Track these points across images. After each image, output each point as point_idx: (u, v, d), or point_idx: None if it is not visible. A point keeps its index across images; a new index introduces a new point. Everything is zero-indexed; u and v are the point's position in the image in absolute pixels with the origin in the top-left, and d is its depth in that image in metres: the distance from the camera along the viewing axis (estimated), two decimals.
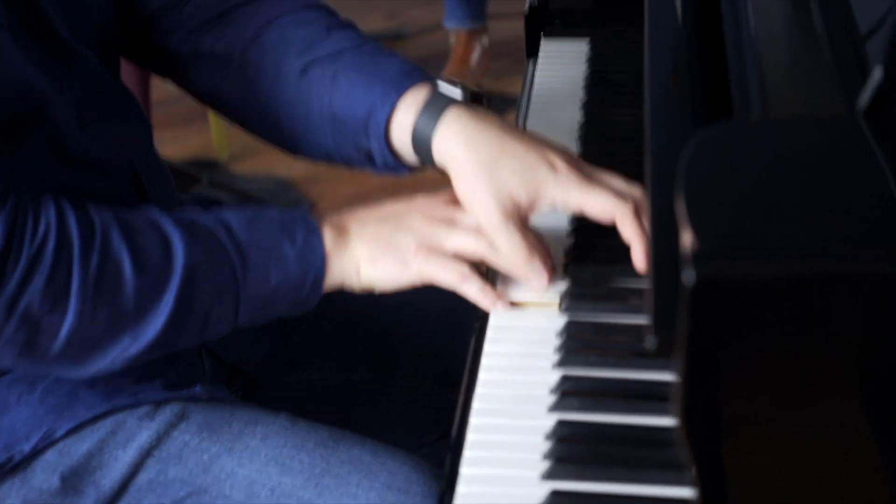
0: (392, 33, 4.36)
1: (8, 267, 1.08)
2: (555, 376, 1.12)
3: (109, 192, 1.25)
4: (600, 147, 1.52)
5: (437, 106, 1.23)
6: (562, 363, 1.13)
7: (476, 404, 1.11)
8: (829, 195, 0.81)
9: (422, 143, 1.23)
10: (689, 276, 0.73)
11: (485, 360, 1.16)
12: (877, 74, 0.86)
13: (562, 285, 1.23)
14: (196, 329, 1.17)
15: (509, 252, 1.18)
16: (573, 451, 1.04)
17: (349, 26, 1.35)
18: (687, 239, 0.76)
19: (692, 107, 1.09)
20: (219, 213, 1.20)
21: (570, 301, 1.20)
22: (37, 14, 1.20)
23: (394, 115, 1.25)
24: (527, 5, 1.85)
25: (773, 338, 0.76)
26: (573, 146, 1.52)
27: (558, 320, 1.19)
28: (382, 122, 1.25)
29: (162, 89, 3.13)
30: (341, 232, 1.21)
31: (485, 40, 4.01)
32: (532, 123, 1.61)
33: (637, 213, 1.17)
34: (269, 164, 3.30)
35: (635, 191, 1.19)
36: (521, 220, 1.19)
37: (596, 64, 1.73)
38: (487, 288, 1.21)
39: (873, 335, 0.77)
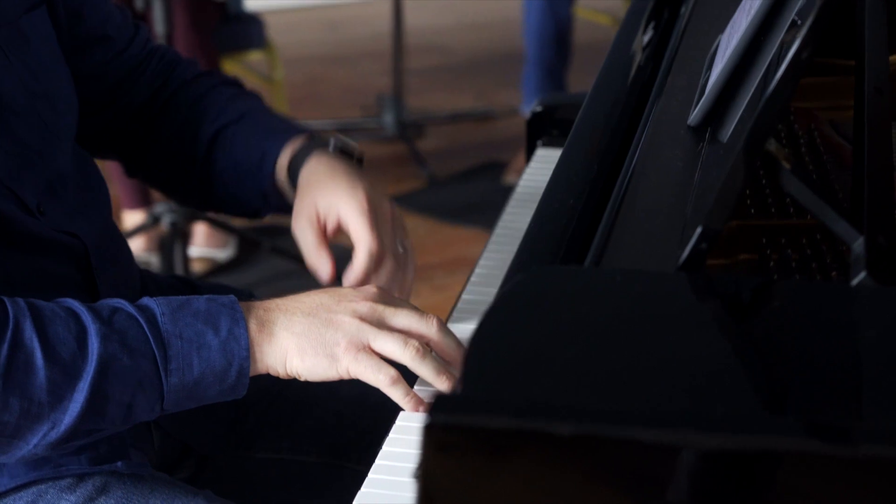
0: (479, 113, 4.44)
1: None
2: None
3: (55, 275, 1.32)
4: None
5: (307, 149, 1.47)
6: None
7: None
8: (602, 353, 0.84)
9: (293, 176, 1.47)
10: (424, 419, 0.78)
11: None
12: (696, 232, 0.90)
13: None
14: (120, 416, 1.22)
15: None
16: None
17: (249, 95, 1.59)
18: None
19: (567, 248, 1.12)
20: (146, 302, 1.25)
21: None
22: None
23: (280, 158, 1.48)
24: (528, 111, 1.91)
25: (494, 488, 0.80)
26: None
27: None
28: (272, 162, 1.49)
29: None
30: (266, 323, 1.26)
31: None
32: (506, 219, 1.72)
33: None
34: None
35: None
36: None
37: None
38: (412, 393, 1.26)
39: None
